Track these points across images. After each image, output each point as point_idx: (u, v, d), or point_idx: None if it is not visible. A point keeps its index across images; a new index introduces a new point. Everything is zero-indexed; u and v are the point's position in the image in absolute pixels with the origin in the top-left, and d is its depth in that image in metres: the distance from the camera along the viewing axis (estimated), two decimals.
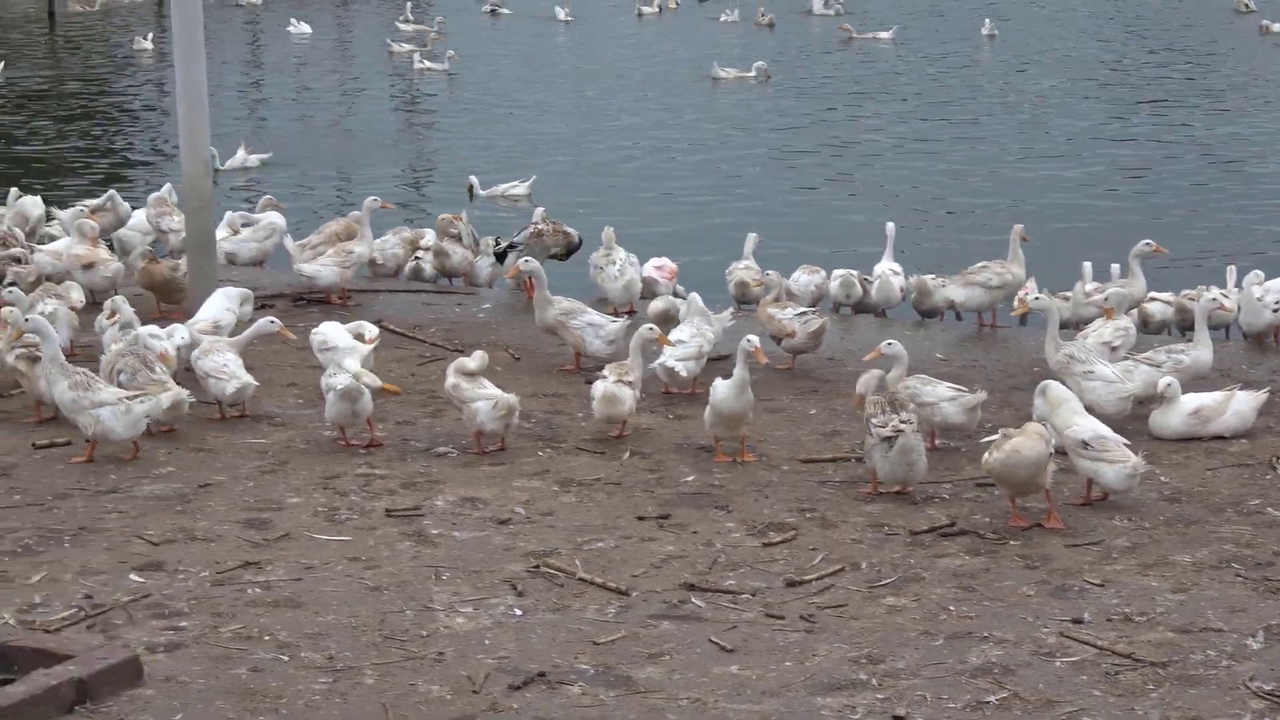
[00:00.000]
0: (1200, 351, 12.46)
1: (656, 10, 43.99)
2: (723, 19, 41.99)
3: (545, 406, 12.48)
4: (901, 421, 10.54)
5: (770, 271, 14.64)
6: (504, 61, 34.28)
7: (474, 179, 20.82)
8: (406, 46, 37.15)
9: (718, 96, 31.00)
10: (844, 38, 39.00)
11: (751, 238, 15.52)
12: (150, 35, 35.17)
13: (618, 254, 15.11)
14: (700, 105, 30.30)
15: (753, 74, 32.67)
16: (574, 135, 27.57)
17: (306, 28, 37.57)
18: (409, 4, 42.45)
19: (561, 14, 40.45)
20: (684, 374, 12.41)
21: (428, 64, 35.49)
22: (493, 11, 45.50)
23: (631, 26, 38.25)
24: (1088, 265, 14.90)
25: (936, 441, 11.50)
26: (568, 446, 11.79)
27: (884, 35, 39.11)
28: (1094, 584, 9.39)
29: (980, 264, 14.59)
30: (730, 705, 8.04)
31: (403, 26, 39.72)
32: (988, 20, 38.78)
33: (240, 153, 22.65)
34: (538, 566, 9.68)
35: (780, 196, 22.69)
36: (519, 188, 21.42)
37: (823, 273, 14.94)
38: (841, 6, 44.03)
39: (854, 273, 14.99)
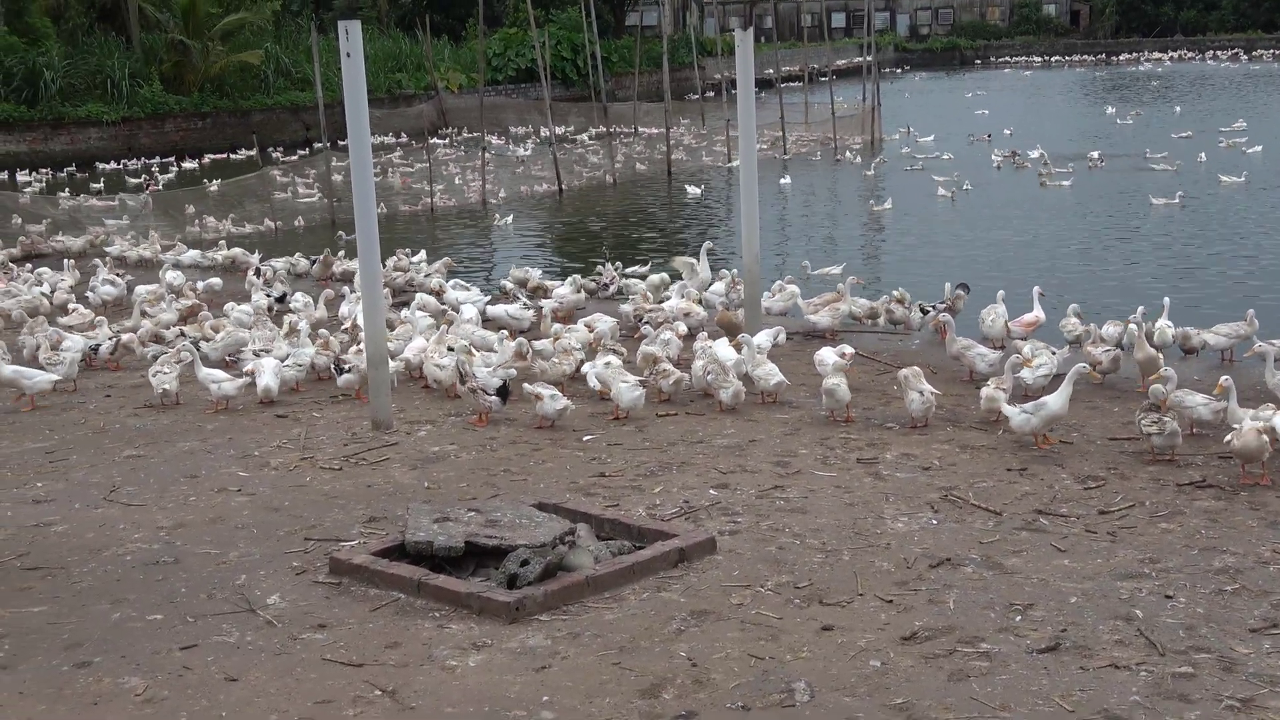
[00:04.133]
0: None
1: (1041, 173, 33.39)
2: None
3: (952, 401, 12.23)
4: (1164, 419, 10.12)
5: (1091, 324, 14.14)
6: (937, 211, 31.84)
7: (807, 262, 19.27)
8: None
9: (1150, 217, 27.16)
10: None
11: (1074, 306, 14.68)
12: (702, 185, 34.60)
13: (995, 309, 14.74)
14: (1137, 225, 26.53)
15: (1177, 201, 27.89)
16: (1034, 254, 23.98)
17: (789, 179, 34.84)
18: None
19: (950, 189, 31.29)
20: (1033, 384, 12.03)
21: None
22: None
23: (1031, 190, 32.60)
24: None
25: (1194, 429, 10.90)
26: (965, 425, 11.54)
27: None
28: None
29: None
30: (1063, 583, 7.79)
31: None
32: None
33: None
34: (946, 495, 9.52)
35: (1117, 276, 21.34)
36: (835, 269, 19.39)
37: (1122, 325, 14.22)
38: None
39: (1141, 324, 14.26)
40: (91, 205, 31.70)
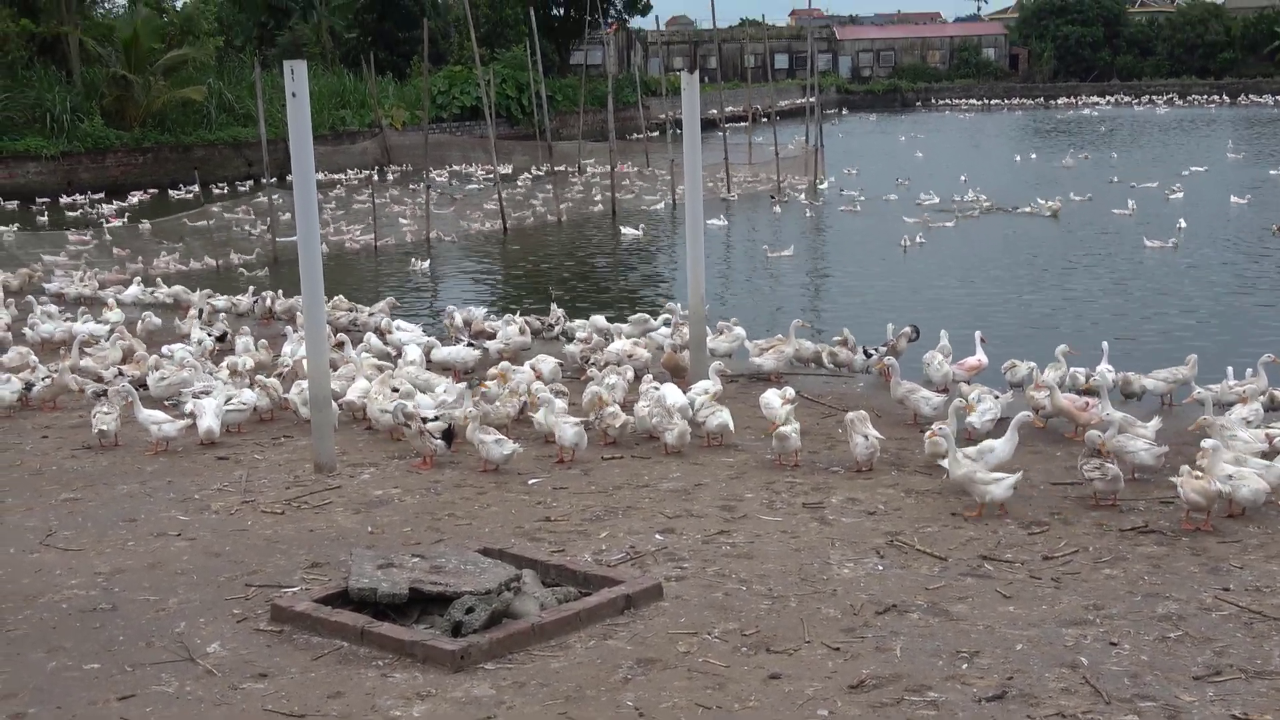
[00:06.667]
0: None
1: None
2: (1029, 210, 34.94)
3: (895, 445, 12.27)
4: (1106, 464, 10.17)
5: (1033, 363, 14.26)
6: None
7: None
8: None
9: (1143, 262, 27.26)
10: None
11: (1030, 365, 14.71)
12: (641, 227, 34.10)
13: (938, 356, 14.87)
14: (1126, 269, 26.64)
15: (1170, 244, 28.29)
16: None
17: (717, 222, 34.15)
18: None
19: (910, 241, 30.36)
20: (979, 428, 12.13)
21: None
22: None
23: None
24: (1230, 369, 13.97)
25: (1135, 474, 10.99)
26: (910, 469, 11.56)
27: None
28: (1236, 567, 8.86)
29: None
30: (1008, 630, 7.81)
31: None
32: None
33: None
34: (892, 541, 9.54)
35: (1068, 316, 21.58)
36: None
37: (1065, 369, 14.25)
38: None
39: (1083, 370, 14.36)
40: (65, 237, 31.11)
